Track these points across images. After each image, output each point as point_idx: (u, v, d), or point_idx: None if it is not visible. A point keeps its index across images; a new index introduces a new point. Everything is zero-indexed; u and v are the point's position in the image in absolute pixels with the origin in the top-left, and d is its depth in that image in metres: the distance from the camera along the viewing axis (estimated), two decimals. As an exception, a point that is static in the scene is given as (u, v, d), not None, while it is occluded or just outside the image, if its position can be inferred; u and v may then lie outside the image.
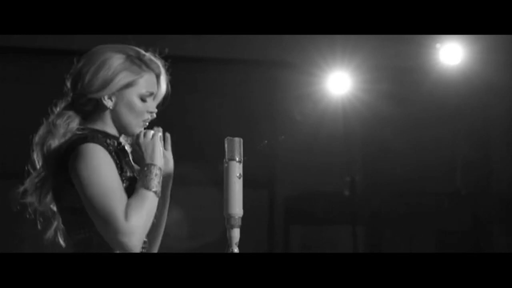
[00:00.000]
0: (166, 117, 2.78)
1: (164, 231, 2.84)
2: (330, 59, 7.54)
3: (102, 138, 2.65)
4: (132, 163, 2.73)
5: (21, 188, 2.71)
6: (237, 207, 2.59)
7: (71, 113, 2.70)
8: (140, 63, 2.70)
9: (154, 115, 2.75)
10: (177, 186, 2.84)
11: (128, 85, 2.68)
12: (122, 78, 2.67)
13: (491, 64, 7.60)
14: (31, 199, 2.70)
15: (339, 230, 8.03)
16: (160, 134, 2.73)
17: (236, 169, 2.61)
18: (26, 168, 2.70)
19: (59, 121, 2.68)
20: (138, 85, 2.69)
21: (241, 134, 2.68)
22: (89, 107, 2.70)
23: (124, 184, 2.61)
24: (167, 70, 2.78)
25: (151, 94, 2.72)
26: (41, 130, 2.70)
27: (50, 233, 2.72)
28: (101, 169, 2.56)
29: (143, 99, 2.71)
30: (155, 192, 2.59)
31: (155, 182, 2.60)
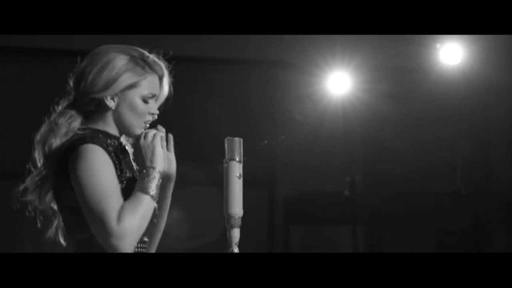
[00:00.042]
0: (166, 117, 2.78)
1: (164, 231, 2.84)
2: (330, 59, 7.54)
3: (103, 138, 2.65)
4: (133, 163, 2.73)
5: (22, 186, 2.71)
6: (237, 207, 2.59)
7: (73, 112, 2.70)
8: (144, 65, 2.70)
9: (156, 117, 2.75)
10: (177, 186, 2.84)
11: (131, 86, 2.68)
12: (125, 79, 2.67)
13: (491, 64, 7.60)
14: (31, 197, 2.70)
15: (339, 230, 8.04)
16: (162, 134, 2.72)
17: (236, 169, 2.61)
18: (27, 166, 2.70)
19: (61, 120, 2.68)
20: (141, 87, 2.69)
21: (241, 134, 2.68)
22: (91, 107, 2.69)
23: (123, 185, 2.61)
24: (170, 72, 2.78)
25: (154, 96, 2.72)
26: (43, 129, 2.70)
27: (51, 231, 2.73)
28: (98, 170, 2.56)
29: (145, 101, 2.71)
30: (152, 196, 2.59)
31: (153, 186, 2.60)
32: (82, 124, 2.69)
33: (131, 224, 2.52)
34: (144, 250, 2.69)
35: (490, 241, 8.05)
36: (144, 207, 2.56)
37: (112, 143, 2.68)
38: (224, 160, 2.62)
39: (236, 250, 2.57)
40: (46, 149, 2.66)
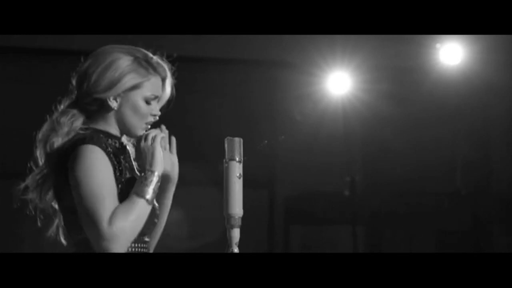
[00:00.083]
0: (166, 117, 2.78)
1: (164, 231, 2.84)
2: (330, 59, 7.54)
3: (103, 139, 2.65)
4: (134, 163, 2.73)
5: (22, 185, 2.71)
6: (237, 207, 2.59)
7: (75, 111, 2.70)
8: (147, 66, 2.70)
9: (157, 118, 2.75)
10: (177, 186, 2.84)
11: (134, 87, 2.68)
12: (129, 80, 2.67)
13: (491, 64, 7.60)
14: (32, 195, 2.70)
15: (339, 230, 8.04)
16: (163, 135, 2.72)
17: (236, 169, 2.61)
18: (28, 165, 2.70)
19: (63, 119, 2.68)
20: (144, 88, 2.70)
21: (241, 134, 2.68)
22: (93, 107, 2.70)
23: (121, 186, 2.61)
24: (173, 74, 2.78)
25: (156, 97, 2.73)
26: (45, 127, 2.70)
27: (51, 230, 2.73)
28: (94, 171, 2.56)
29: (147, 102, 2.71)
30: (147, 200, 2.58)
31: (149, 190, 2.59)
32: (84, 123, 2.70)
33: (123, 227, 2.51)
34: (145, 250, 2.69)
35: (490, 241, 8.05)
36: (137, 210, 2.56)
37: (113, 143, 2.68)
38: (224, 160, 2.62)
39: (236, 250, 2.57)
40: (48, 148, 2.67)
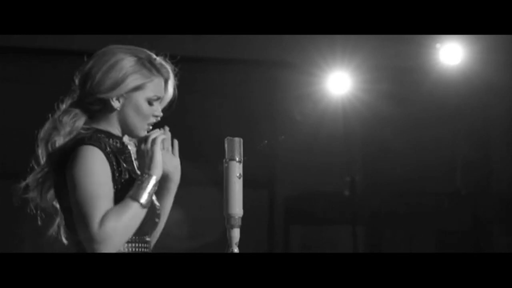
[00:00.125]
0: (166, 117, 2.78)
1: (164, 231, 2.84)
2: (330, 59, 7.54)
3: (104, 139, 2.65)
4: (135, 163, 2.73)
5: (23, 183, 2.71)
6: (237, 207, 2.59)
7: (77, 111, 2.70)
8: (151, 67, 2.70)
9: (159, 119, 2.75)
10: (178, 186, 2.84)
11: (137, 88, 2.68)
12: (132, 81, 2.67)
13: (491, 64, 7.60)
14: (32, 194, 2.70)
15: (339, 230, 8.04)
16: (164, 137, 2.72)
17: (236, 169, 2.61)
18: (30, 164, 2.70)
19: (65, 119, 2.68)
20: (147, 89, 2.70)
21: (241, 134, 2.68)
22: (96, 107, 2.69)
23: (120, 187, 2.61)
24: (175, 75, 2.78)
25: (159, 98, 2.73)
26: (47, 126, 2.70)
27: (53, 229, 2.73)
28: (90, 173, 2.56)
29: (150, 103, 2.71)
30: (141, 204, 2.57)
31: (144, 194, 2.58)
32: (86, 123, 2.70)
33: (113, 229, 2.51)
34: (146, 250, 2.69)
35: (490, 241, 8.05)
36: (130, 213, 2.55)
37: (114, 143, 2.68)
38: (224, 160, 2.62)
39: (236, 250, 2.57)
40: (49, 147, 2.67)
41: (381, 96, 7.60)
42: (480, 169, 8.23)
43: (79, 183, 2.55)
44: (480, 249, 7.95)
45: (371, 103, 7.62)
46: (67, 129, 2.67)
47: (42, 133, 2.70)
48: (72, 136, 2.66)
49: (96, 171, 2.57)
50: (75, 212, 2.55)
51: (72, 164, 2.57)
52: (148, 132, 2.72)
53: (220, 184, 2.61)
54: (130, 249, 2.63)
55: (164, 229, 2.84)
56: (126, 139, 2.76)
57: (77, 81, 2.72)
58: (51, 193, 2.70)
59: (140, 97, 2.69)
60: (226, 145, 2.62)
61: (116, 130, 2.71)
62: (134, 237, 2.63)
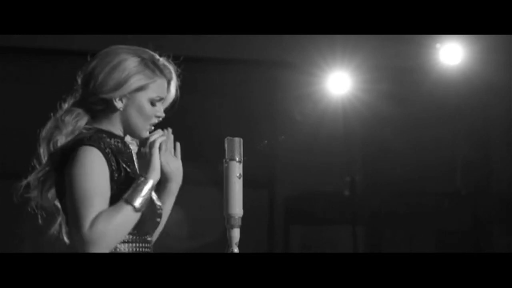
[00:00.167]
0: (166, 117, 2.78)
1: (164, 231, 2.84)
2: (330, 59, 7.54)
3: (105, 139, 2.65)
4: (136, 163, 2.73)
5: (24, 182, 2.71)
6: (237, 207, 2.59)
7: (80, 110, 2.70)
8: (154, 68, 2.70)
9: (161, 119, 2.75)
10: (179, 187, 2.84)
11: (140, 88, 2.68)
12: (135, 81, 2.67)
13: (491, 64, 7.60)
14: (33, 193, 2.70)
15: (339, 230, 8.03)
16: (164, 138, 2.72)
17: (236, 169, 2.61)
18: (32, 163, 2.70)
19: (67, 118, 2.68)
20: (150, 90, 2.70)
21: (241, 134, 2.68)
22: (99, 107, 2.69)
23: (119, 187, 2.60)
24: (178, 76, 2.78)
25: (161, 99, 2.73)
26: (49, 125, 2.70)
27: (54, 228, 2.73)
28: (85, 174, 2.56)
29: (153, 103, 2.71)
30: (135, 207, 2.56)
31: (138, 197, 2.57)
32: (88, 123, 2.70)
33: (103, 231, 2.50)
34: (148, 250, 2.69)
35: (490, 241, 8.05)
36: (122, 216, 2.54)
37: (115, 143, 2.68)
38: (224, 160, 2.62)
39: (236, 250, 2.57)
40: (51, 146, 2.67)
41: (381, 96, 7.60)
42: (480, 169, 8.23)
43: (74, 183, 2.55)
44: (480, 249, 7.95)
45: (371, 103, 7.62)
46: (69, 128, 2.67)
47: (44, 132, 2.70)
48: (74, 135, 2.66)
49: (92, 172, 2.56)
50: (69, 212, 2.56)
51: (70, 164, 2.57)
52: (150, 132, 2.72)
53: (220, 184, 2.61)
54: (132, 249, 2.63)
55: (164, 229, 2.84)
56: (128, 138, 2.76)
57: (79, 81, 2.72)
58: (52, 192, 2.71)
59: (143, 98, 2.69)
60: (226, 145, 2.63)
61: (118, 130, 2.72)
62: (135, 237, 2.64)
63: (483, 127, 8.23)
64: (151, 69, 2.69)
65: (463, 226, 8.15)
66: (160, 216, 2.72)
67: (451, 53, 7.52)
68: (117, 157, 2.65)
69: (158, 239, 2.83)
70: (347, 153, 7.96)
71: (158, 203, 2.70)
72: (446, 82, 7.67)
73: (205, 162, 5.87)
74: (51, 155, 2.66)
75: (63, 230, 2.72)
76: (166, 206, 2.80)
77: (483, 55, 7.47)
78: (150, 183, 2.60)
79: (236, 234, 2.58)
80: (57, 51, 7.18)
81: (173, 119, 2.82)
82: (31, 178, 2.70)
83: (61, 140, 2.66)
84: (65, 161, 2.60)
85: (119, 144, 2.70)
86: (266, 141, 6.40)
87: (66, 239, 2.71)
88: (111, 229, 2.52)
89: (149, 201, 2.63)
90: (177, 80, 2.78)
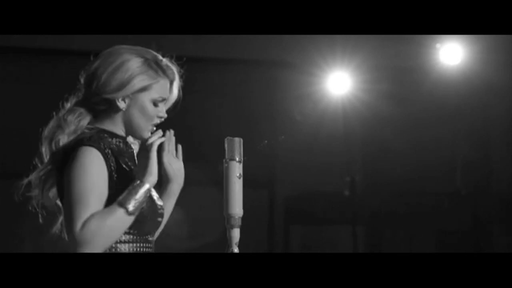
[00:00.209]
0: (168, 117, 2.78)
1: (164, 231, 2.84)
2: (330, 59, 7.54)
3: (106, 139, 2.65)
4: (136, 162, 2.73)
5: (26, 180, 2.71)
6: (237, 207, 2.59)
7: (82, 110, 2.70)
8: (157, 68, 2.70)
9: (163, 119, 2.75)
10: (181, 188, 2.84)
11: (143, 89, 2.68)
12: (138, 82, 2.66)
13: (491, 64, 7.60)
14: (34, 192, 2.70)
15: (339, 230, 8.04)
16: (163, 139, 2.72)
17: (236, 169, 2.61)
18: (33, 162, 2.70)
19: (70, 118, 2.68)
20: (153, 90, 2.69)
21: (241, 134, 2.68)
22: (101, 107, 2.69)
23: (119, 187, 2.60)
24: (181, 77, 2.78)
25: (164, 99, 2.73)
26: (51, 124, 2.70)
27: (56, 227, 2.73)
28: (83, 175, 2.55)
29: (155, 104, 2.71)
30: (127, 210, 2.55)
31: (133, 200, 2.56)
32: (90, 123, 2.69)
33: (94, 232, 2.50)
34: (149, 250, 2.69)
35: (490, 241, 8.05)
36: (114, 219, 2.54)
37: (117, 143, 2.68)
38: (224, 160, 2.62)
39: (236, 250, 2.57)
40: (53, 145, 2.67)
41: (381, 96, 7.60)
42: (480, 169, 8.24)
43: (72, 183, 2.55)
44: (480, 249, 7.95)
45: (371, 103, 7.62)
46: (72, 128, 2.67)
47: (46, 131, 2.69)
48: (76, 135, 2.66)
49: (90, 172, 2.56)
50: (64, 211, 2.57)
51: (69, 164, 2.58)
52: (152, 133, 2.72)
53: (220, 184, 2.61)
54: (133, 249, 2.63)
55: (164, 229, 2.84)
56: (130, 138, 2.76)
57: (82, 81, 2.71)
58: (53, 191, 2.70)
59: (146, 98, 2.69)
60: (226, 145, 2.63)
61: (120, 130, 2.71)
62: (136, 237, 2.63)
63: (483, 127, 8.23)
64: (154, 70, 2.69)
65: (463, 226, 8.16)
66: (161, 216, 2.72)
67: (451, 53, 7.52)
68: (117, 157, 2.65)
69: (158, 239, 2.83)
70: (347, 153, 7.96)
71: (159, 203, 2.70)
72: (446, 82, 7.67)
73: (205, 162, 5.88)
74: (53, 154, 2.66)
75: (64, 229, 2.72)
76: (167, 206, 2.80)
77: (483, 55, 7.47)
78: (145, 187, 2.59)
79: (236, 234, 2.58)
80: (57, 51, 7.19)
81: (173, 119, 2.82)
82: (33, 176, 2.70)
83: (63, 139, 2.66)
84: (66, 160, 2.60)
85: (121, 144, 2.70)
86: (266, 141, 6.40)
87: (67, 239, 2.71)
88: (103, 230, 2.51)
89: (150, 201, 2.63)
90: (180, 81, 2.78)
